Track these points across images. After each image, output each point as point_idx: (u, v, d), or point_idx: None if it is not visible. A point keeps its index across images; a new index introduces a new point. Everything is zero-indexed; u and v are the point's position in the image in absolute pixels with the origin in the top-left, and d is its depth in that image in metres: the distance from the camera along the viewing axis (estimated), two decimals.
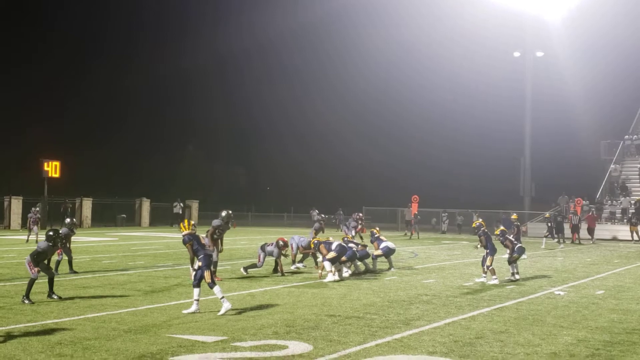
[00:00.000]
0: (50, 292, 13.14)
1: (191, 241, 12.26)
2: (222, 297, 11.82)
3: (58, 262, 16.84)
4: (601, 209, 43.61)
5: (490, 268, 16.66)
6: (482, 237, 16.93)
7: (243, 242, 31.19)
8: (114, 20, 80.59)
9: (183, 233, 12.45)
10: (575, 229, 36.31)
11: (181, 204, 50.83)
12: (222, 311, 11.64)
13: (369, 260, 18.97)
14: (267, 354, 8.91)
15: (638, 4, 58.22)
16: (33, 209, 31.23)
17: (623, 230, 39.73)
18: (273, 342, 9.63)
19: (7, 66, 67.46)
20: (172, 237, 34.76)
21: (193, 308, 11.82)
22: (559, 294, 14.99)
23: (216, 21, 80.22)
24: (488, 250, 16.72)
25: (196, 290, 11.91)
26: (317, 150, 76.87)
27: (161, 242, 29.12)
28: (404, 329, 10.68)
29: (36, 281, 12.81)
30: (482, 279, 16.90)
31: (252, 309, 12.36)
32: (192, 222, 12.75)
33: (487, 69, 66.93)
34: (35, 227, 29.83)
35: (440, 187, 61.93)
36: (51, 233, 13.23)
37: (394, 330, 10.61)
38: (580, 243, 35.86)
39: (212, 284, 11.88)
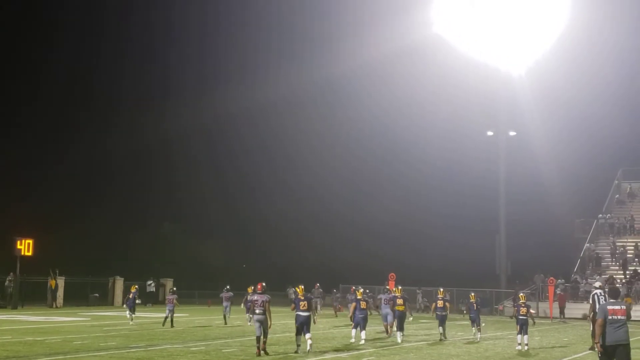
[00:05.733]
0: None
1: None
2: None
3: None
4: (577, 287, 43.71)
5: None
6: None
7: (218, 322, 30.73)
8: (93, 90, 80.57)
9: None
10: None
11: (154, 282, 50.18)
12: None
13: None
14: None
15: (611, 83, 60.17)
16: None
17: None
18: None
19: None
20: (145, 316, 34.18)
21: None
22: None
23: (201, 87, 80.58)
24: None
25: None
26: (292, 227, 76.50)
27: (134, 322, 28.58)
28: None
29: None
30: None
31: None
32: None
33: (461, 148, 67.79)
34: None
35: (415, 266, 61.66)
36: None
37: None
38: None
39: None
